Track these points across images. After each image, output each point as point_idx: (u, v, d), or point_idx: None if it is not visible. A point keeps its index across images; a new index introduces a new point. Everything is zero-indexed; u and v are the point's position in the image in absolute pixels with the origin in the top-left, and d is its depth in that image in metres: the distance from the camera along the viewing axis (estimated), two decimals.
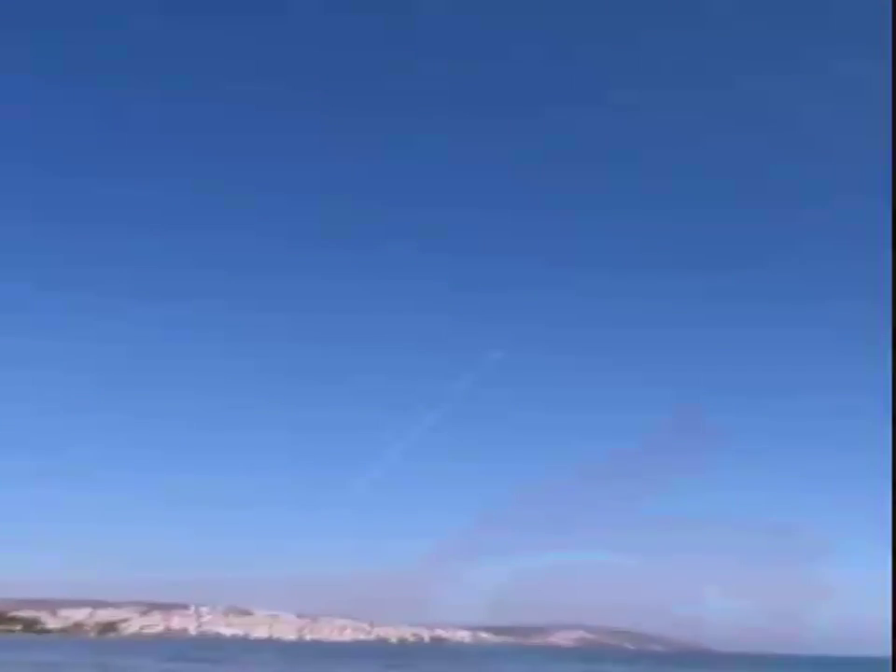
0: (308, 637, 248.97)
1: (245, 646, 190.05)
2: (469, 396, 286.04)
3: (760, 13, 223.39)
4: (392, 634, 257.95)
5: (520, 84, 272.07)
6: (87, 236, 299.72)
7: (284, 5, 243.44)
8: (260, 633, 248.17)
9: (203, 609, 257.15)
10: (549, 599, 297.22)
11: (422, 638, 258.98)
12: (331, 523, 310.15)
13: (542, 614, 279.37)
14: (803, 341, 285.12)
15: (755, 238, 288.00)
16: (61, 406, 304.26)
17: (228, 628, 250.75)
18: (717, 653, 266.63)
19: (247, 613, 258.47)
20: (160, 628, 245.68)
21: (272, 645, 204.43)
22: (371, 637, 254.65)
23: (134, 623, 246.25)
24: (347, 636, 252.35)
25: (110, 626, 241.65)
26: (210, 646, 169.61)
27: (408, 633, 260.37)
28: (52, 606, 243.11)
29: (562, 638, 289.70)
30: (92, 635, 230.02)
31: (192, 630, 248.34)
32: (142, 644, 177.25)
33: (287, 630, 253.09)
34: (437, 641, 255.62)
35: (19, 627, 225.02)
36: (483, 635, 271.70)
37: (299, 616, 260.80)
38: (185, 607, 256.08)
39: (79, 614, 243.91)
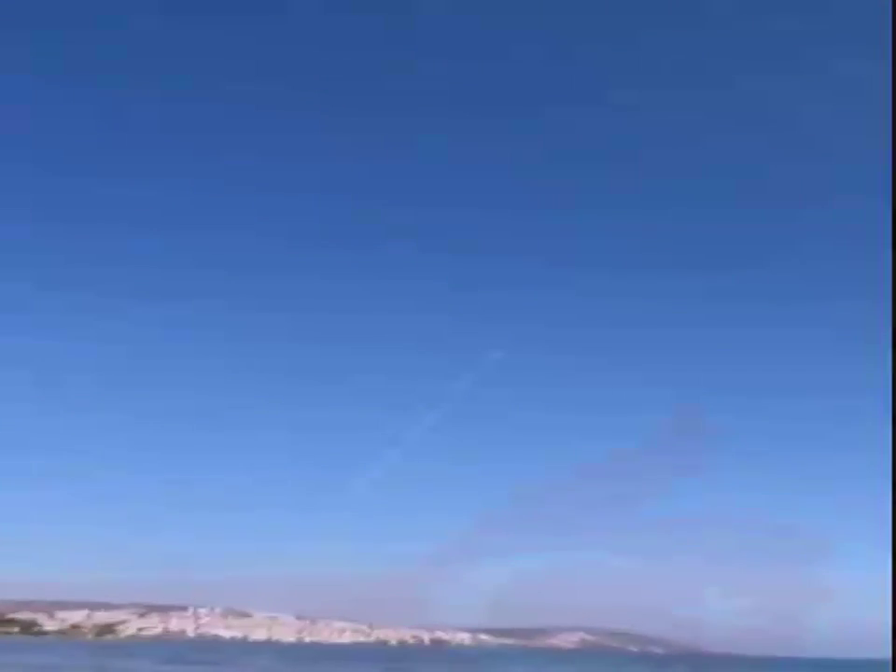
0: (307, 640, 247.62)
1: (243, 648, 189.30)
2: (468, 396, 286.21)
3: (760, 13, 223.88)
4: (392, 636, 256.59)
5: (520, 84, 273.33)
6: (87, 236, 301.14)
7: (284, 5, 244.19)
8: (259, 635, 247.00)
9: (202, 611, 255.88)
10: (549, 601, 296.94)
11: (422, 640, 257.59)
12: (331, 524, 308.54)
13: (543, 616, 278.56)
14: (803, 341, 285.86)
15: (755, 238, 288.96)
16: (60, 406, 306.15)
17: (226, 630, 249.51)
18: (718, 656, 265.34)
19: (246, 615, 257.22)
20: (158, 630, 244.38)
21: (270, 647, 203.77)
22: (371, 639, 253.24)
23: (132, 625, 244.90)
24: (346, 638, 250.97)
25: (108, 628, 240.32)
26: (208, 648, 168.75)
27: (408, 635, 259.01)
28: (49, 607, 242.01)
29: (563, 640, 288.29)
30: (90, 637, 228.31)
31: (191, 632, 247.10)
32: (140, 646, 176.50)
33: (285, 632, 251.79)
34: (437, 643, 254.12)
35: (16, 629, 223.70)
36: (484, 637, 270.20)
37: (298, 618, 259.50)
38: (183, 608, 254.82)
39: (77, 616, 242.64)
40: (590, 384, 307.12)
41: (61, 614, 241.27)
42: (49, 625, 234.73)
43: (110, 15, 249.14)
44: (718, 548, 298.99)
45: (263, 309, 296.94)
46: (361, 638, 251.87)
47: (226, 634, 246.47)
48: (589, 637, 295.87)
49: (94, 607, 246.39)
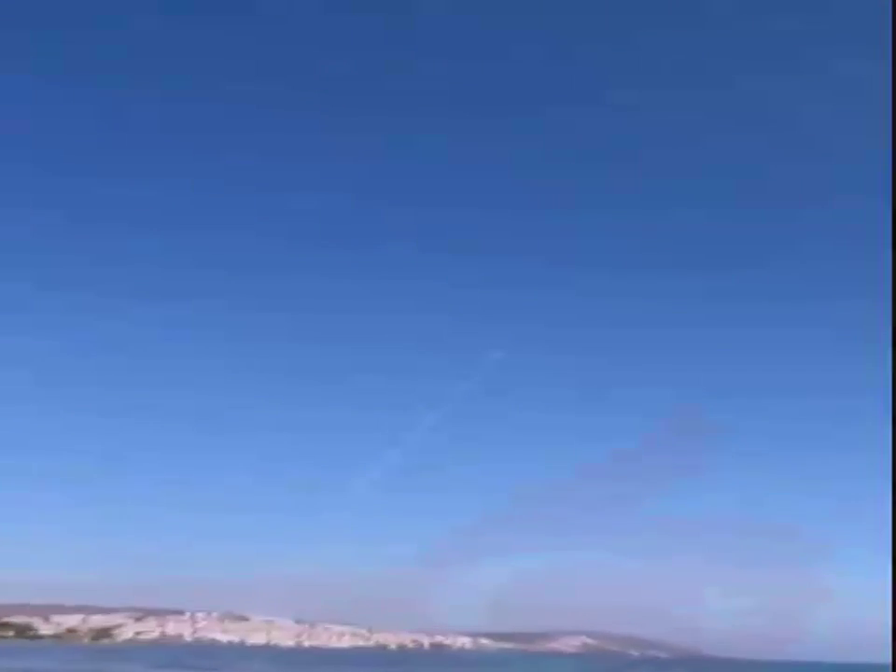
0: (306, 644, 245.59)
1: (241, 653, 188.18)
2: (469, 396, 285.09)
3: (760, 13, 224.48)
4: (391, 640, 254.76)
5: (520, 84, 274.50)
6: (87, 236, 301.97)
7: (284, 5, 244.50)
8: (257, 639, 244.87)
9: (199, 615, 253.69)
10: (550, 602, 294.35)
11: (422, 645, 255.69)
12: (330, 525, 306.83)
13: (543, 619, 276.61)
14: (803, 341, 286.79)
15: (755, 238, 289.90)
16: (59, 406, 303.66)
17: (224, 634, 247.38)
18: (720, 659, 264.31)
19: (244, 619, 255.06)
20: (154, 634, 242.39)
21: (268, 651, 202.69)
22: (370, 643, 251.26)
23: (129, 629, 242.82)
24: (346, 642, 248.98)
25: (104, 632, 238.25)
26: (205, 652, 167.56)
27: (407, 639, 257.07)
28: (45, 611, 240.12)
29: (564, 644, 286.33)
30: (86, 641, 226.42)
31: (188, 636, 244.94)
32: (136, 650, 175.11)
33: (284, 636, 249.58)
34: (437, 648, 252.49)
35: (11, 633, 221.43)
36: (484, 641, 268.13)
37: (296, 622, 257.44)
38: (180, 612, 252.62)
39: (73, 620, 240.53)
40: (590, 384, 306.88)
41: (56, 618, 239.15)
42: (45, 629, 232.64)
43: (110, 15, 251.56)
44: (719, 549, 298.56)
45: (263, 309, 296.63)
46: (360, 643, 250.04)
47: (223, 638, 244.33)
48: (590, 641, 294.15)
49: (90, 611, 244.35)
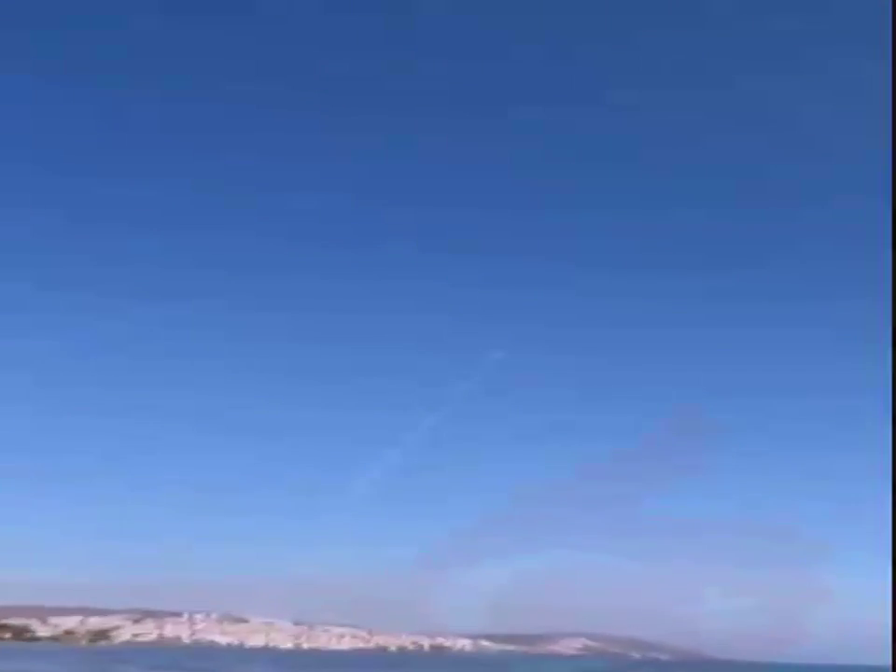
0: (305, 646, 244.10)
1: (239, 655, 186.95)
2: (469, 396, 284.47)
3: (760, 13, 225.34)
4: (391, 642, 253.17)
5: (520, 84, 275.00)
6: (87, 236, 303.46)
7: (284, 5, 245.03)
8: (256, 641, 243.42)
9: (198, 617, 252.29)
10: (550, 605, 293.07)
11: (422, 647, 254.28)
12: (329, 526, 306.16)
13: (544, 621, 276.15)
14: (803, 341, 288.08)
15: (755, 238, 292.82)
16: (59, 407, 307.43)
17: (222, 636, 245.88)
18: (721, 661, 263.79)
19: (242, 621, 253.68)
20: (152, 636, 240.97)
21: (267, 654, 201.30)
22: (370, 645, 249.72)
23: (127, 631, 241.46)
24: (345, 644, 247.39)
25: (102, 634, 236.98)
26: (204, 655, 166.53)
27: (408, 641, 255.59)
28: (43, 613, 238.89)
29: (565, 646, 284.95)
30: (84, 643, 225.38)
31: (186, 638, 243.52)
32: (134, 652, 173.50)
33: (283, 638, 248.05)
34: (437, 650, 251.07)
35: (8, 635, 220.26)
36: (485, 643, 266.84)
37: (295, 624, 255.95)
38: (178, 614, 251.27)
39: (70, 622, 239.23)
40: (590, 384, 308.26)
41: (54, 620, 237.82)
42: (42, 631, 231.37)
43: (110, 15, 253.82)
44: (719, 550, 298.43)
45: (263, 309, 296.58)
46: (360, 645, 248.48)
47: (222, 640, 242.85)
48: (591, 643, 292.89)
49: (88, 612, 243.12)
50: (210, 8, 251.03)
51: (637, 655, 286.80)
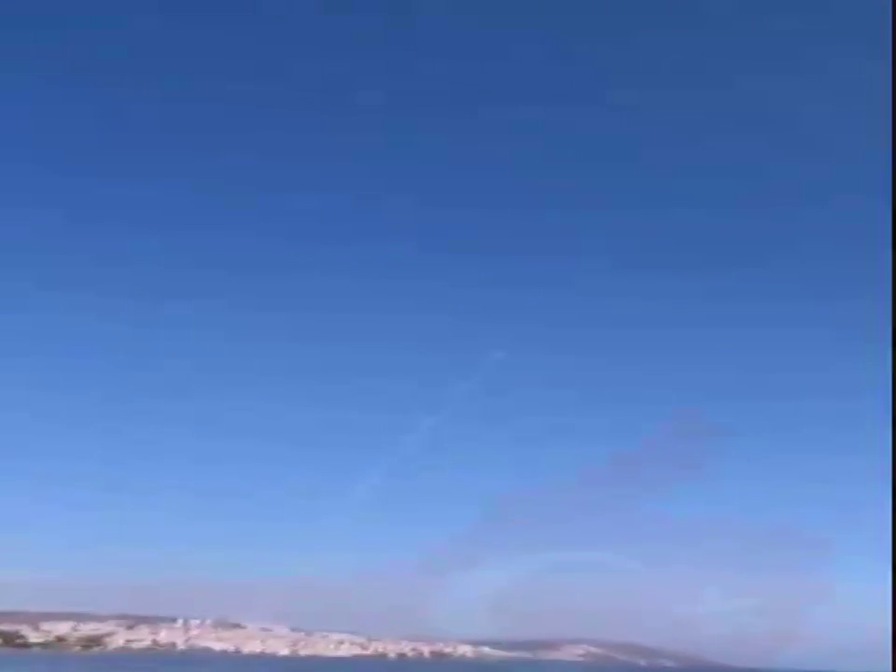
0: (302, 653, 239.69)
1: (235, 661, 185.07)
2: (469, 396, 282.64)
3: (760, 13, 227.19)
4: (391, 648, 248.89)
5: (520, 84, 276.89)
6: (87, 236, 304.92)
7: (284, 5, 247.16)
8: (252, 647, 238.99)
9: (193, 623, 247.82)
10: (552, 611, 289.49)
11: (422, 653, 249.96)
12: (328, 530, 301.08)
13: (546, 627, 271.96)
14: (803, 341, 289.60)
15: (755, 238, 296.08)
16: (59, 408, 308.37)
17: (218, 642, 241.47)
18: (726, 667, 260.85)
19: (238, 627, 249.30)
20: (146, 642, 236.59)
21: (263, 660, 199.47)
22: (369, 651, 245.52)
23: (120, 637, 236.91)
24: (344, 650, 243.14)
25: (95, 640, 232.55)
26: (199, 661, 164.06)
27: (407, 647, 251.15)
28: (35, 619, 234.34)
29: (567, 653, 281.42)
30: (76, 649, 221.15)
31: (181, 644, 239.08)
32: (128, 659, 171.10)
33: (280, 645, 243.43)
34: (437, 656, 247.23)
35: None
36: (486, 649, 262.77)
37: (292, 630, 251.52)
38: (172, 620, 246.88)
39: (62, 628, 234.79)
40: (590, 384, 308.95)
41: (46, 626, 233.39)
42: (34, 637, 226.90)
43: (110, 15, 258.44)
44: (721, 554, 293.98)
45: (263, 309, 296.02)
46: (359, 651, 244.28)
47: (217, 646, 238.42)
48: (594, 650, 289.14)
49: (81, 618, 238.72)
50: (210, 8, 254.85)
51: (643, 662, 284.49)
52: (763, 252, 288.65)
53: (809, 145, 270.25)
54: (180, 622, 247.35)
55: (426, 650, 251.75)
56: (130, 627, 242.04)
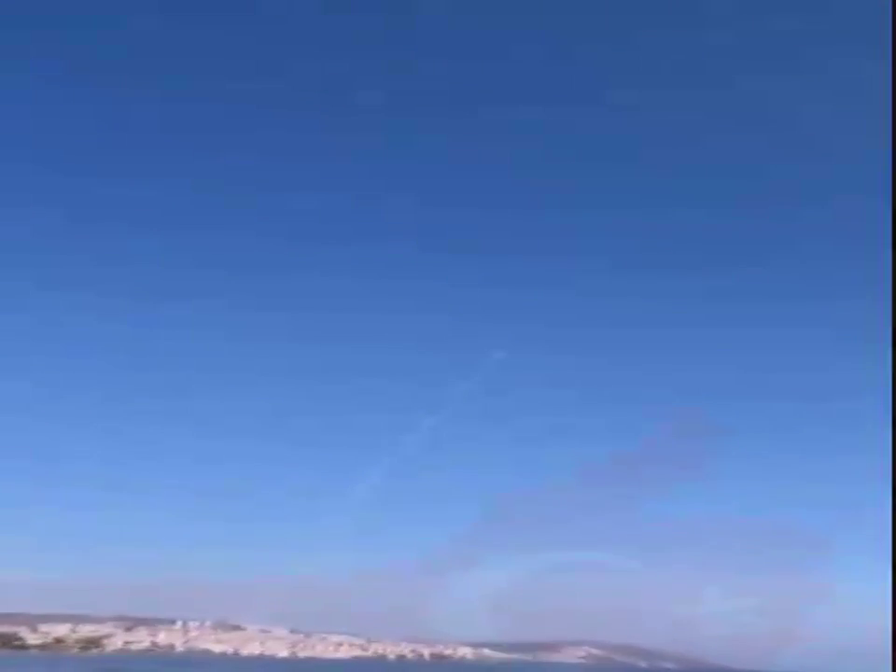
0: (301, 654, 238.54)
1: (234, 663, 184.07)
2: (469, 396, 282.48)
3: (760, 13, 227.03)
4: (390, 650, 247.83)
5: (520, 84, 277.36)
6: (87, 236, 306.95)
7: (284, 5, 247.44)
8: (251, 649, 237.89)
9: (192, 625, 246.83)
10: (553, 612, 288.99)
11: (421, 655, 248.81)
12: (327, 531, 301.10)
13: (546, 628, 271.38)
14: (803, 341, 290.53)
15: (755, 238, 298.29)
16: (59, 408, 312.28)
17: (217, 644, 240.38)
18: (727, 669, 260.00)
19: (238, 628, 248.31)
20: (145, 644, 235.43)
21: (263, 662, 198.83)
22: (369, 653, 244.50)
23: (118, 639, 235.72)
24: (343, 652, 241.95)
25: (93, 642, 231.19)
26: (198, 663, 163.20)
27: (407, 649, 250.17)
28: (33, 620, 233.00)
29: (568, 655, 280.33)
30: (75, 651, 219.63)
31: (180, 646, 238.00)
32: (126, 660, 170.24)
33: (279, 646, 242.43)
34: (437, 658, 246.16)
35: None
36: (486, 651, 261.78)
37: (292, 632, 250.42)
38: (171, 622, 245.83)
39: (60, 629, 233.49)
40: (590, 384, 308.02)
41: (43, 627, 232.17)
42: (32, 639, 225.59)
43: (110, 15, 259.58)
44: (721, 554, 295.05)
45: (263, 309, 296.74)
46: (358, 653, 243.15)
47: (216, 648, 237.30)
48: (595, 651, 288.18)
49: (79, 620, 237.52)
50: (210, 8, 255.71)
51: (644, 664, 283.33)
52: (763, 252, 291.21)
53: (809, 145, 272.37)
54: (179, 623, 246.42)
55: (425, 651, 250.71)
56: (128, 629, 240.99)
